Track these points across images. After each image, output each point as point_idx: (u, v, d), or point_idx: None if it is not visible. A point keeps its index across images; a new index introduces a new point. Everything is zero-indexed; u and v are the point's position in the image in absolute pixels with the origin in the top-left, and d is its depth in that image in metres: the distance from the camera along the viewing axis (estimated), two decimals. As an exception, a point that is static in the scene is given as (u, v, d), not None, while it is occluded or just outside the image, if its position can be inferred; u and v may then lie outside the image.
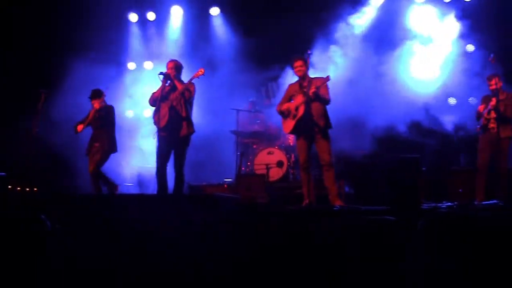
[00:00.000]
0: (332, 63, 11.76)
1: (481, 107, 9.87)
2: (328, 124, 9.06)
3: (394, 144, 11.92)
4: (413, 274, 5.37)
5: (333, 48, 12.00)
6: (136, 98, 13.11)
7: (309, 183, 9.09)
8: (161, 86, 9.16)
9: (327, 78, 8.87)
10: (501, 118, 9.52)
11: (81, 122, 10.45)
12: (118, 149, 10.50)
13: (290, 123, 9.17)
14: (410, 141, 11.86)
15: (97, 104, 10.38)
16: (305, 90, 8.95)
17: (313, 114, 8.92)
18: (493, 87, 9.68)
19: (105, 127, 10.38)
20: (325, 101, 9.00)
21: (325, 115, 9.04)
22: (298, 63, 9.15)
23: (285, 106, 9.28)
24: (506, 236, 5.35)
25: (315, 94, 8.78)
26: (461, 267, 5.29)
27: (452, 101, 12.02)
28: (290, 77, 9.88)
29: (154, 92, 9.27)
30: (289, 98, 9.32)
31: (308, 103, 8.92)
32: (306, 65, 9.18)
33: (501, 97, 9.61)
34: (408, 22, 12.36)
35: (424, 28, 12.26)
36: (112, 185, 10.35)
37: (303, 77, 9.15)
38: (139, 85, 13.19)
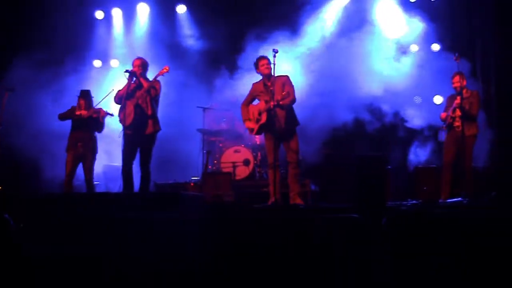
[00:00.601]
0: (296, 59, 11.82)
1: (443, 114, 10.04)
2: (294, 123, 9.12)
3: (360, 142, 11.96)
4: (377, 270, 5.39)
5: (297, 43, 12.07)
6: (101, 96, 12.97)
7: (276, 181, 9.13)
8: (126, 84, 9.11)
9: (286, 95, 9.00)
10: (466, 116, 9.62)
11: (65, 116, 10.51)
12: None
13: (254, 126, 9.31)
14: (375, 139, 11.91)
15: (83, 103, 10.51)
16: (267, 99, 9.05)
17: (277, 118, 9.02)
18: (457, 85, 9.80)
19: (94, 129, 10.48)
20: (288, 106, 9.10)
21: (289, 115, 9.13)
22: (264, 61, 9.19)
23: (250, 110, 9.41)
24: (462, 233, 5.41)
25: (277, 106, 8.92)
26: (420, 264, 5.34)
27: (417, 99, 12.08)
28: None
29: (120, 90, 9.22)
30: (252, 98, 9.39)
31: (270, 111, 9.01)
32: (271, 64, 9.15)
33: (466, 95, 9.71)
34: (374, 20, 12.39)
35: (389, 27, 12.31)
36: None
37: (268, 76, 9.18)
38: (105, 83, 13.06)
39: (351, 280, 5.42)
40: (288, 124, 9.06)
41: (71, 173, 10.39)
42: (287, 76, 9.27)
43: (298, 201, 8.99)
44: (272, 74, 9.07)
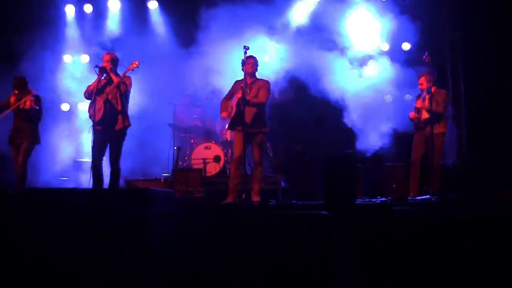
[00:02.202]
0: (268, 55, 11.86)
1: (411, 114, 10.19)
2: (262, 124, 9.23)
3: (331, 140, 11.98)
4: (344, 266, 5.43)
5: (270, 41, 12.11)
6: (71, 91, 12.88)
7: (237, 178, 9.28)
8: (96, 80, 9.06)
9: (257, 100, 9.24)
10: (433, 115, 9.71)
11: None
12: (44, 142, 10.38)
13: (228, 120, 9.49)
14: (345, 136, 11.93)
15: (17, 91, 10.14)
16: (239, 96, 9.15)
17: (247, 115, 9.12)
18: (423, 86, 10.04)
19: (33, 119, 10.14)
20: (257, 105, 9.24)
21: (258, 115, 9.25)
22: (251, 60, 9.42)
23: (228, 105, 9.58)
24: (429, 229, 5.48)
25: (245, 101, 9.04)
26: (386, 260, 5.39)
27: (387, 98, 12.15)
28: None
29: (89, 85, 9.17)
30: (232, 94, 9.57)
31: (239, 105, 9.15)
32: (256, 63, 9.50)
33: (434, 93, 9.82)
34: (344, 20, 12.45)
35: (360, 25, 12.36)
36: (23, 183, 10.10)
37: (251, 74, 9.41)
38: (75, 78, 12.99)
39: (318, 276, 5.45)
40: (255, 122, 9.20)
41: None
42: (268, 81, 9.50)
43: (256, 198, 9.12)
44: (244, 71, 9.20)
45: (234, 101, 9.37)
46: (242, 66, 9.30)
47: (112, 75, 9.08)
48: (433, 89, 9.83)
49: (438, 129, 9.82)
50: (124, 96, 9.09)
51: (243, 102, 9.02)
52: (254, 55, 9.53)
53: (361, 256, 5.46)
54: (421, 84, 10.11)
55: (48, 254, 6.20)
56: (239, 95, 9.17)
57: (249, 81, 9.33)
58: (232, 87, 9.65)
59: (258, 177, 9.25)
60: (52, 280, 6.08)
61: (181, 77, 12.50)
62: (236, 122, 9.21)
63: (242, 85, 9.21)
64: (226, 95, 9.76)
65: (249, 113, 9.12)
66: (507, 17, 11.21)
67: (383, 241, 5.48)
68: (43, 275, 6.11)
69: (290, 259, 5.61)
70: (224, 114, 9.62)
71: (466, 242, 5.48)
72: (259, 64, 9.56)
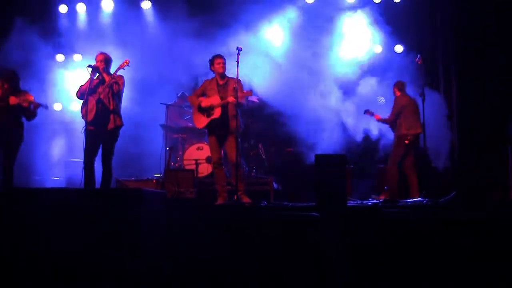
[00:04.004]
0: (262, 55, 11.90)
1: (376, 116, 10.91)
2: (238, 126, 9.32)
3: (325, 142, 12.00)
4: (334, 267, 5.45)
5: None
6: (64, 91, 12.85)
7: (223, 179, 9.39)
8: (89, 79, 9.05)
9: (250, 93, 9.42)
10: (390, 125, 10.68)
11: None
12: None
13: (204, 120, 9.49)
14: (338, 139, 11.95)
15: (8, 86, 9.63)
16: (222, 96, 9.27)
17: (228, 115, 9.23)
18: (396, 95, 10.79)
19: (20, 114, 9.76)
20: (241, 106, 9.34)
21: (236, 117, 9.31)
22: (220, 60, 9.45)
23: (203, 103, 9.50)
24: (419, 232, 5.51)
25: (238, 104, 9.21)
26: (376, 262, 5.41)
27: (381, 100, 12.18)
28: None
29: (82, 85, 9.15)
30: (202, 93, 9.60)
31: (224, 106, 9.24)
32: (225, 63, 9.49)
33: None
34: (337, 23, 12.51)
35: (352, 28, 12.41)
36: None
37: (222, 75, 9.47)
38: (68, 78, 12.97)
39: (309, 277, 5.46)
40: (232, 123, 9.27)
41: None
42: (239, 79, 9.40)
43: (246, 199, 9.16)
44: (237, 71, 9.23)
45: (212, 101, 9.36)
46: (210, 66, 9.47)
47: (104, 75, 9.08)
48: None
49: (397, 132, 10.48)
50: (117, 96, 9.09)
51: (237, 105, 9.07)
52: (222, 55, 9.57)
53: (352, 257, 5.48)
54: (394, 93, 10.79)
55: (40, 254, 6.19)
56: (214, 100, 9.27)
57: (221, 82, 9.46)
58: (202, 86, 9.68)
59: (240, 178, 9.21)
60: (43, 280, 6.08)
61: (173, 77, 12.51)
62: (215, 125, 9.27)
63: (214, 87, 9.41)
64: (195, 92, 9.82)
65: (232, 115, 9.25)
66: (499, 18, 11.25)
67: (374, 243, 5.50)
68: (34, 276, 6.10)
69: (282, 261, 5.63)
70: (198, 117, 9.56)
71: (457, 243, 5.51)
72: (237, 60, 9.35)
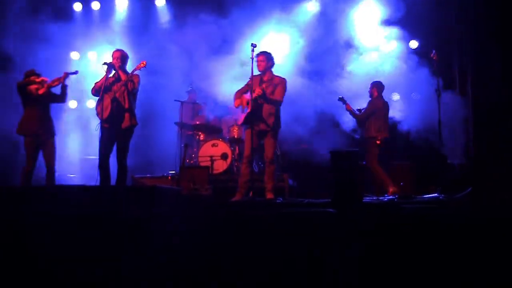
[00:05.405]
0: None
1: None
2: (276, 124, 9.24)
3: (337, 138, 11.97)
4: (350, 263, 5.43)
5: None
6: (79, 88, 12.87)
7: (246, 176, 9.31)
8: (104, 77, 9.05)
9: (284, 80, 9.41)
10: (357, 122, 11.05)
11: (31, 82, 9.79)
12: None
13: (242, 116, 9.53)
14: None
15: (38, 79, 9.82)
16: (253, 88, 9.17)
17: (262, 112, 9.22)
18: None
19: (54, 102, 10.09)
20: (273, 102, 9.26)
21: (275, 114, 9.31)
22: (260, 57, 9.43)
23: (243, 99, 9.56)
24: (435, 228, 5.47)
25: (260, 96, 9.13)
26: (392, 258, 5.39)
27: (395, 96, 12.14)
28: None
29: (97, 82, 9.15)
30: (246, 89, 9.58)
31: (255, 101, 9.18)
32: (267, 60, 9.44)
33: None
34: (352, 18, 12.47)
35: (368, 22, 12.35)
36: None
37: (264, 71, 9.44)
38: (83, 76, 12.99)
39: (325, 273, 5.45)
40: (268, 120, 9.25)
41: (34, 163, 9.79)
42: (284, 79, 9.46)
43: (270, 196, 9.16)
44: (251, 68, 9.17)
45: (248, 96, 9.35)
46: (256, 63, 9.37)
47: (120, 73, 9.09)
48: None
49: (366, 133, 10.62)
50: (132, 94, 9.09)
51: (263, 98, 9.05)
52: (267, 51, 9.56)
53: (369, 254, 5.46)
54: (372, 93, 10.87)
55: (55, 251, 6.21)
56: (256, 92, 9.21)
57: (265, 78, 9.41)
58: (247, 83, 9.59)
59: (271, 175, 9.28)
60: (59, 276, 6.10)
61: (187, 74, 12.53)
62: (250, 119, 9.20)
63: (265, 82, 9.33)
64: (240, 88, 9.73)
65: (263, 111, 9.22)
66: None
67: (391, 239, 5.47)
68: (49, 272, 6.13)
69: (297, 257, 5.61)
70: (237, 101, 9.63)
71: (474, 241, 5.48)
72: (272, 59, 9.50)
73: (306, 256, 5.56)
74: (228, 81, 11.24)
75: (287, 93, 9.48)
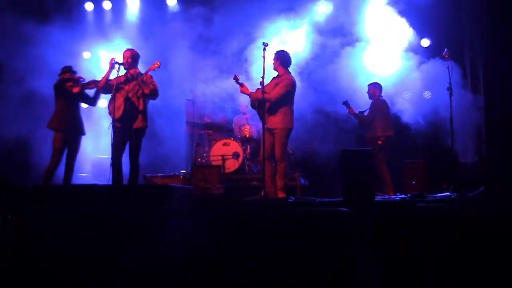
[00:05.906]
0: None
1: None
2: (283, 122, 9.29)
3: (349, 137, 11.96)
4: (365, 262, 5.42)
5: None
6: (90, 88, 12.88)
7: (268, 174, 9.26)
8: (107, 73, 9.15)
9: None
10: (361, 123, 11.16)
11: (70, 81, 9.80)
12: None
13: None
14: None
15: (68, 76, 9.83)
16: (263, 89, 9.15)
17: (266, 110, 9.20)
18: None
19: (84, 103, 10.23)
20: (267, 100, 9.18)
21: (279, 112, 9.29)
22: (274, 57, 9.49)
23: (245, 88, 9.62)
24: (449, 226, 5.46)
25: (259, 99, 9.25)
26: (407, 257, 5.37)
27: (406, 94, 12.11)
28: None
29: (103, 77, 9.19)
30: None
31: (259, 100, 9.25)
32: (277, 59, 9.45)
33: None
34: (363, 17, 12.43)
35: (379, 22, 12.32)
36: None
37: (276, 70, 9.48)
38: (95, 75, 13.02)
39: (339, 273, 5.44)
40: (274, 119, 9.25)
41: (59, 160, 9.75)
42: (287, 79, 9.38)
43: (281, 194, 9.17)
44: (263, 67, 9.13)
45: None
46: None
47: (131, 72, 9.12)
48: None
49: (372, 133, 10.83)
50: (147, 96, 9.09)
51: (262, 97, 9.07)
52: (279, 50, 9.58)
53: (383, 252, 5.45)
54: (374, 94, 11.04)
55: (68, 250, 6.24)
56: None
57: (276, 76, 9.43)
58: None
59: (282, 174, 9.26)
60: (72, 273, 6.13)
61: (199, 74, 12.53)
62: (264, 120, 9.23)
63: (276, 80, 9.37)
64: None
65: (269, 109, 9.22)
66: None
67: (406, 238, 5.46)
68: (62, 269, 6.15)
69: (310, 257, 5.61)
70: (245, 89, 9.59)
71: (486, 240, 5.46)
72: (282, 57, 9.47)
73: (319, 255, 5.57)
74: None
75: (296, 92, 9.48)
